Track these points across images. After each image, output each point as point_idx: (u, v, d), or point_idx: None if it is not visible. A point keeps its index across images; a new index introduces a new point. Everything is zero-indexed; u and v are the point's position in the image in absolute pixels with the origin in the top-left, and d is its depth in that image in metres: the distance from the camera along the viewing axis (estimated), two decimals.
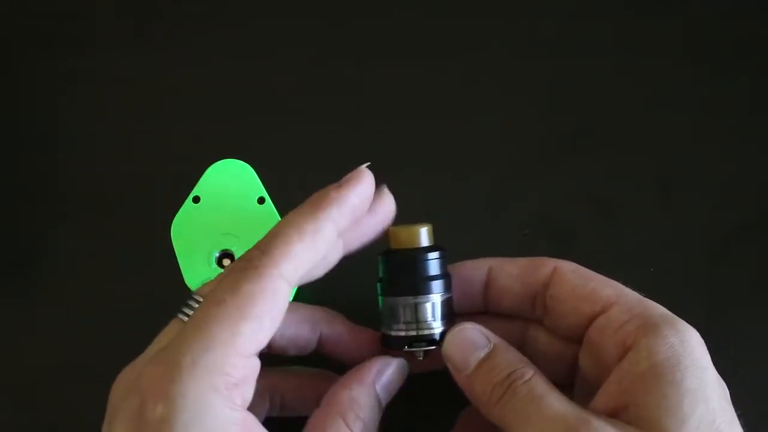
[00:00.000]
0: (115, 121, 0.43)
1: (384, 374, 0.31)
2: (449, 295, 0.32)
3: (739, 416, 0.28)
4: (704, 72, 0.44)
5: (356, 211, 0.29)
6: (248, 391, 0.26)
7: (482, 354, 0.30)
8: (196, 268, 0.35)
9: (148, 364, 0.26)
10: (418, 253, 0.31)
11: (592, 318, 0.30)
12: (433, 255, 0.32)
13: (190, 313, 0.28)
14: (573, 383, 0.32)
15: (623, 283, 0.31)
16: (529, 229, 0.41)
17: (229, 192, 0.36)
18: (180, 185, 0.37)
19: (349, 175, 0.30)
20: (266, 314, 0.26)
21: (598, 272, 0.32)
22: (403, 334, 0.31)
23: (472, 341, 0.30)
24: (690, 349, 0.27)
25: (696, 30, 0.44)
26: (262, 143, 0.42)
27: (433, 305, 0.31)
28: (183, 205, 0.36)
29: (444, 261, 0.32)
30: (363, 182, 0.30)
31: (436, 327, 0.31)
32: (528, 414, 0.27)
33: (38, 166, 0.42)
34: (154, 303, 0.38)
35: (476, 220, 0.41)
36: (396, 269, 0.32)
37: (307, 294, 0.36)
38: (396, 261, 0.32)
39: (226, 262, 0.35)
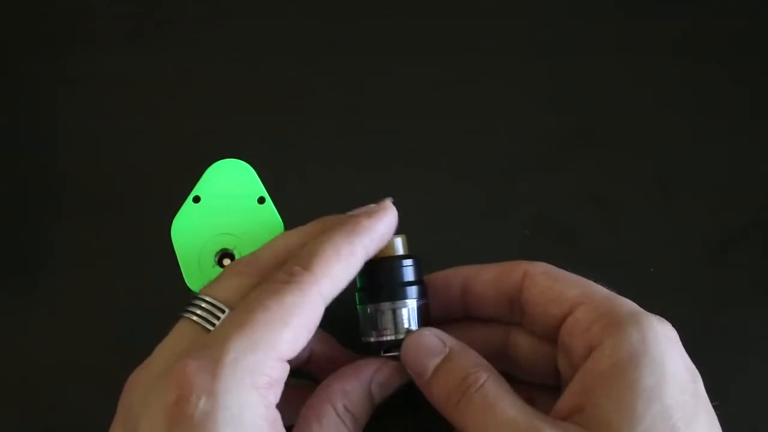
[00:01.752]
0: (115, 121, 0.43)
1: (381, 372, 0.32)
2: (425, 301, 0.33)
3: (716, 407, 0.27)
4: (704, 72, 0.44)
5: (382, 241, 0.32)
6: (279, 392, 0.28)
7: (438, 360, 0.30)
8: (196, 268, 0.35)
9: (185, 359, 0.26)
10: (393, 261, 0.33)
11: (562, 320, 0.30)
12: (408, 262, 0.33)
13: (199, 312, 0.29)
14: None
15: (609, 282, 0.31)
16: (529, 229, 0.41)
17: (229, 192, 0.36)
18: (180, 185, 0.37)
19: (377, 206, 0.32)
20: (304, 326, 0.28)
21: (598, 272, 0.32)
22: (381, 339, 0.32)
23: (428, 347, 0.31)
24: (651, 346, 0.27)
25: (696, 30, 0.44)
26: (262, 143, 0.42)
27: (409, 311, 0.32)
28: (183, 205, 0.36)
29: (419, 268, 0.33)
30: (390, 215, 0.32)
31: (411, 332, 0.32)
32: (482, 420, 0.28)
33: (38, 166, 0.42)
34: (154, 303, 0.38)
35: (476, 220, 0.41)
36: (373, 277, 0.33)
37: None
38: (373, 269, 0.33)
39: (226, 261, 0.35)
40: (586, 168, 0.42)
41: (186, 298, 0.33)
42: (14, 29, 0.44)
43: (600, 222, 0.41)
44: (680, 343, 0.28)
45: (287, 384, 0.34)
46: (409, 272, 0.33)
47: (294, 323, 0.27)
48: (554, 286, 0.31)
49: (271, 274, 0.29)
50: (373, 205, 0.32)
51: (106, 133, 0.43)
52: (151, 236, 0.38)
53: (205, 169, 0.37)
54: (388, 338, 0.32)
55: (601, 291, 0.30)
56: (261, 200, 0.36)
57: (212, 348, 0.26)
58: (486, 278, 0.33)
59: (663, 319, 0.29)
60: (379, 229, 0.31)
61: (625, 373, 0.27)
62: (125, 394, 0.28)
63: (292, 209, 0.37)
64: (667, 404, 0.26)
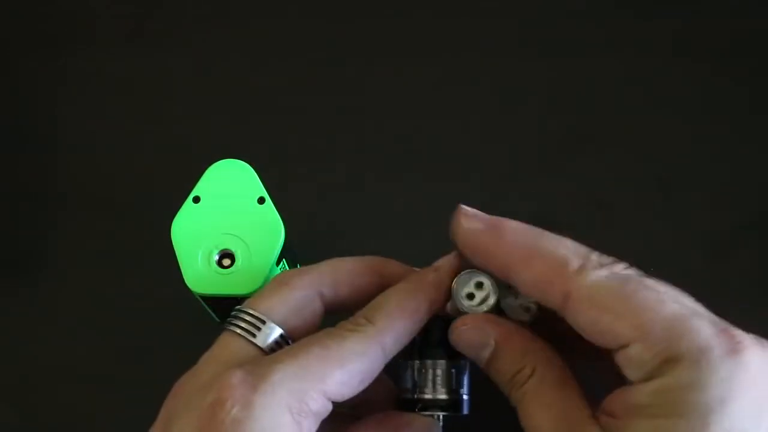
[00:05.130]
0: (115, 121, 0.43)
1: (410, 428, 0.31)
2: (465, 363, 0.32)
3: None
4: (704, 72, 0.44)
5: (447, 292, 0.31)
6: (314, 427, 0.27)
7: (487, 354, 0.30)
8: (196, 268, 0.35)
9: (232, 370, 0.27)
10: (445, 319, 0.31)
11: (615, 349, 0.28)
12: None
13: (243, 325, 0.29)
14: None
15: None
16: None
17: (229, 192, 0.36)
18: (180, 185, 0.37)
19: (443, 261, 0.31)
20: (359, 373, 0.28)
21: None
22: (419, 397, 0.31)
23: (474, 343, 0.30)
24: (696, 393, 0.25)
25: (696, 30, 0.44)
26: (262, 143, 0.42)
27: (450, 371, 0.31)
28: (183, 205, 0.36)
29: None
30: (455, 266, 0.31)
31: (451, 393, 0.31)
32: (529, 413, 0.28)
33: (38, 166, 0.42)
34: (154, 303, 0.38)
35: None
36: (427, 332, 0.31)
37: None
38: (430, 325, 0.31)
39: (226, 262, 0.35)
40: (586, 168, 0.42)
41: (185, 299, 0.33)
42: (14, 29, 0.44)
43: (600, 222, 0.41)
44: (751, 381, 0.25)
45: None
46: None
47: (349, 367, 0.28)
48: (602, 319, 0.27)
49: (339, 323, 0.29)
50: (440, 260, 0.32)
51: (106, 133, 0.43)
52: (151, 236, 0.38)
53: (205, 169, 0.37)
54: (427, 396, 0.31)
55: (661, 319, 0.26)
56: (261, 200, 0.36)
57: (262, 366, 0.27)
58: (527, 280, 0.29)
59: (741, 349, 0.25)
60: (445, 283, 0.31)
61: (658, 417, 0.25)
62: (169, 399, 0.29)
63: (292, 209, 0.37)
64: None
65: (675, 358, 0.25)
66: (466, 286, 0.31)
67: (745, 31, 0.44)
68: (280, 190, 0.37)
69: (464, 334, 0.31)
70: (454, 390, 0.32)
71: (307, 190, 0.41)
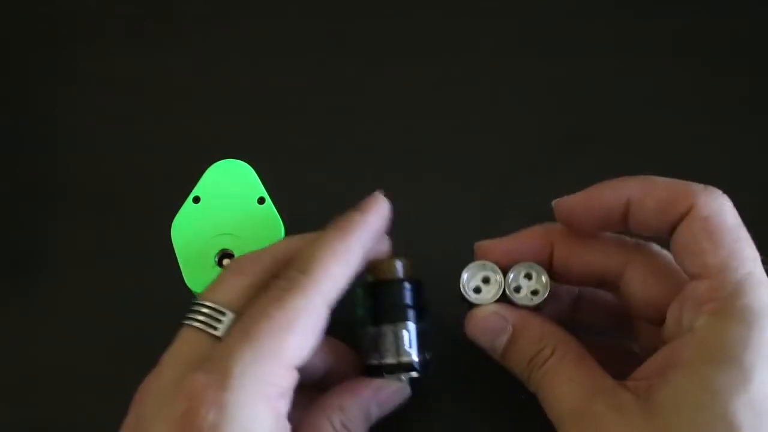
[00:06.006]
0: (115, 120, 0.43)
1: (380, 393, 0.32)
2: (425, 324, 0.33)
3: None
4: (704, 72, 0.44)
5: (377, 234, 0.32)
6: (289, 402, 0.27)
7: (504, 340, 0.31)
8: (196, 268, 0.35)
9: (194, 373, 0.26)
10: (394, 283, 0.33)
11: (694, 277, 0.28)
12: (408, 285, 0.33)
13: (201, 318, 0.29)
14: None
15: None
16: None
17: (229, 192, 0.36)
18: (180, 185, 0.37)
19: (366, 201, 0.32)
20: (310, 330, 0.28)
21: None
22: (383, 362, 0.32)
23: (491, 329, 0.31)
24: (746, 350, 0.26)
25: (696, 30, 0.44)
26: (262, 143, 0.42)
27: (410, 333, 0.32)
28: (183, 205, 0.36)
29: (419, 292, 0.33)
30: (381, 206, 0.32)
31: (414, 354, 0.32)
32: (545, 394, 0.29)
33: (38, 166, 0.42)
34: (154, 303, 0.39)
35: (476, 220, 0.41)
36: (374, 299, 0.33)
37: None
38: (374, 291, 0.33)
39: (226, 262, 0.35)
40: (586, 168, 0.42)
41: (186, 297, 0.33)
42: (14, 29, 0.44)
43: None
44: None
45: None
46: (409, 295, 0.33)
47: (298, 329, 0.27)
48: (703, 243, 0.28)
49: (271, 282, 0.29)
50: (365, 201, 0.32)
51: (106, 132, 0.43)
52: (151, 236, 0.38)
53: (205, 169, 0.37)
54: (390, 361, 0.32)
55: (745, 268, 0.27)
56: (261, 200, 0.36)
57: (219, 361, 0.26)
58: (650, 206, 0.30)
59: None
60: (372, 222, 0.31)
61: (702, 366, 0.26)
62: (136, 403, 0.28)
63: (292, 209, 0.37)
64: (730, 412, 0.25)
65: (730, 312, 0.26)
66: (473, 279, 0.32)
67: (745, 31, 0.44)
68: (280, 190, 0.37)
69: (484, 321, 0.31)
70: (416, 352, 0.32)
71: (307, 190, 0.41)
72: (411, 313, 0.32)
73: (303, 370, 0.33)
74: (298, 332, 0.27)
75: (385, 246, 0.33)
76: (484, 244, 0.33)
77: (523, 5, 0.45)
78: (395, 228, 0.34)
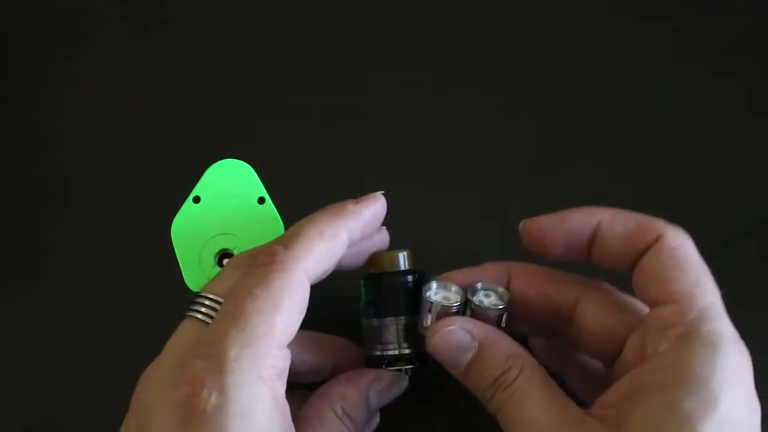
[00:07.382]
0: (116, 121, 0.43)
1: (379, 382, 0.32)
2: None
3: None
4: (704, 72, 0.44)
5: (367, 227, 0.32)
6: (285, 381, 0.28)
7: (469, 356, 0.30)
8: (196, 268, 0.35)
9: (192, 361, 0.27)
10: (397, 276, 0.33)
11: (657, 305, 0.29)
12: (411, 278, 0.33)
13: (203, 310, 0.29)
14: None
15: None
16: None
17: (229, 192, 0.36)
18: (180, 185, 0.37)
19: (365, 196, 0.32)
20: (295, 307, 0.28)
21: (598, 272, 0.31)
22: (385, 353, 0.33)
23: (457, 344, 0.30)
24: (711, 373, 0.26)
25: (696, 30, 0.44)
26: (262, 143, 0.42)
27: (410, 325, 0.32)
28: (183, 205, 0.36)
29: (423, 284, 0.33)
30: (377, 203, 0.32)
31: (415, 346, 0.33)
32: (511, 417, 0.29)
33: (38, 166, 0.42)
34: (154, 303, 0.39)
35: (476, 220, 0.41)
36: (377, 291, 0.33)
37: None
38: (377, 284, 0.33)
39: (226, 261, 0.35)
40: (586, 168, 0.42)
41: (186, 297, 0.33)
42: (14, 29, 0.44)
43: None
44: (750, 377, 0.27)
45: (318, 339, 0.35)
46: (411, 287, 0.33)
47: (285, 307, 0.28)
48: (670, 270, 0.29)
49: (256, 253, 0.29)
50: (364, 196, 0.32)
51: (106, 132, 0.43)
52: (151, 236, 0.38)
53: (205, 169, 0.37)
54: (392, 352, 0.32)
55: (708, 298, 0.28)
56: (261, 200, 0.36)
57: (213, 345, 0.27)
58: (619, 231, 0.30)
59: (745, 350, 0.28)
60: (364, 215, 0.31)
61: (671, 390, 0.26)
62: (138, 391, 0.29)
63: (292, 209, 0.37)
64: None
65: (696, 336, 0.27)
66: (436, 296, 0.32)
67: (745, 31, 0.44)
68: (280, 190, 0.37)
69: (448, 335, 0.31)
70: (417, 343, 0.32)
71: (307, 190, 0.41)
72: (412, 305, 0.32)
73: (312, 370, 0.33)
74: (285, 311, 0.28)
75: (385, 238, 0.34)
76: (444, 276, 0.33)
77: (522, 5, 0.45)
78: (395, 227, 0.34)
